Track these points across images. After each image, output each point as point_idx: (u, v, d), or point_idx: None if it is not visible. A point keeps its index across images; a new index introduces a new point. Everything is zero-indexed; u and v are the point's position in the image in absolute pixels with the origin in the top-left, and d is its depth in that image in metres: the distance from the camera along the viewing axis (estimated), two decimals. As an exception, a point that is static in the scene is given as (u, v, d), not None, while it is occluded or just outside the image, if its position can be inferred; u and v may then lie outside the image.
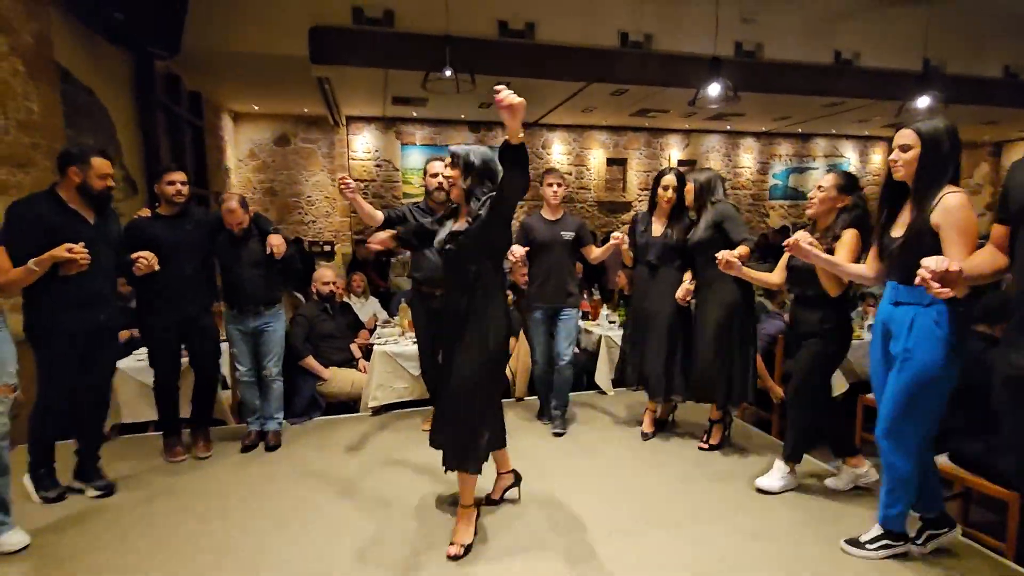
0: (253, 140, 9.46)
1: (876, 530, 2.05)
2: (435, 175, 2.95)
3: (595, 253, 3.25)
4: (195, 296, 2.89)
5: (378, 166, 10.05)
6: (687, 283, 3.01)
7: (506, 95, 1.69)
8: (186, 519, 2.38)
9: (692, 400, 3.07)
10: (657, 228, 3.08)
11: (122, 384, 3.20)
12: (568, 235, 3.20)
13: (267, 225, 3.01)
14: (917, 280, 1.47)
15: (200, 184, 7.07)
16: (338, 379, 3.70)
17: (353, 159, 9.97)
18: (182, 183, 2.80)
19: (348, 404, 3.74)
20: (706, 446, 3.06)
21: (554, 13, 6.59)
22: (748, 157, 11.83)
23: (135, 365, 3.32)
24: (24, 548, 2.13)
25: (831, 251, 2.22)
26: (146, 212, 2.89)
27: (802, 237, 2.04)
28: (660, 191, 3.03)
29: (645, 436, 3.22)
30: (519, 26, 6.61)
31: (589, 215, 10.89)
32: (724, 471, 2.82)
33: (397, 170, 10.13)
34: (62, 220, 2.33)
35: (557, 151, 10.90)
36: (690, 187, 2.95)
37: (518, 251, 2.82)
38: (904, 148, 1.84)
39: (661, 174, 3.04)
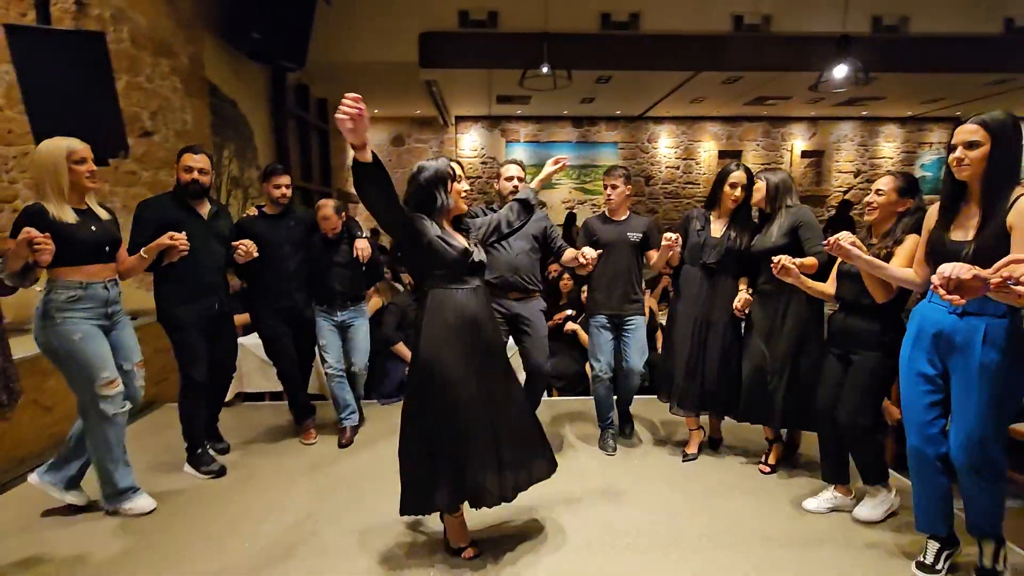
0: (372, 141, 10.10)
1: (943, 550, 1.93)
2: (510, 178, 2.85)
3: (654, 259, 2.94)
4: (299, 288, 3.10)
5: (484, 163, 10.40)
6: (744, 292, 2.75)
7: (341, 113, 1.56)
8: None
9: (749, 420, 2.77)
10: (716, 228, 2.81)
11: (244, 358, 3.67)
12: (635, 236, 2.95)
13: (356, 230, 3.24)
14: (938, 289, 1.37)
15: (325, 183, 7.83)
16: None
17: (460, 157, 10.41)
18: (287, 186, 3.00)
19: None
20: (767, 468, 2.76)
21: (661, 2, 6.34)
22: (889, 146, 10.50)
23: (255, 341, 3.79)
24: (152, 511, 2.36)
25: (889, 257, 2.07)
26: (253, 211, 3.11)
27: (844, 237, 1.92)
28: (727, 189, 2.73)
29: (687, 457, 2.93)
30: (622, 17, 6.45)
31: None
32: (799, 494, 2.53)
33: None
34: (177, 215, 2.58)
35: (664, 145, 10.48)
36: (760, 186, 2.66)
37: (590, 253, 2.63)
38: (971, 145, 1.68)
39: (727, 171, 2.75)
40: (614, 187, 2.95)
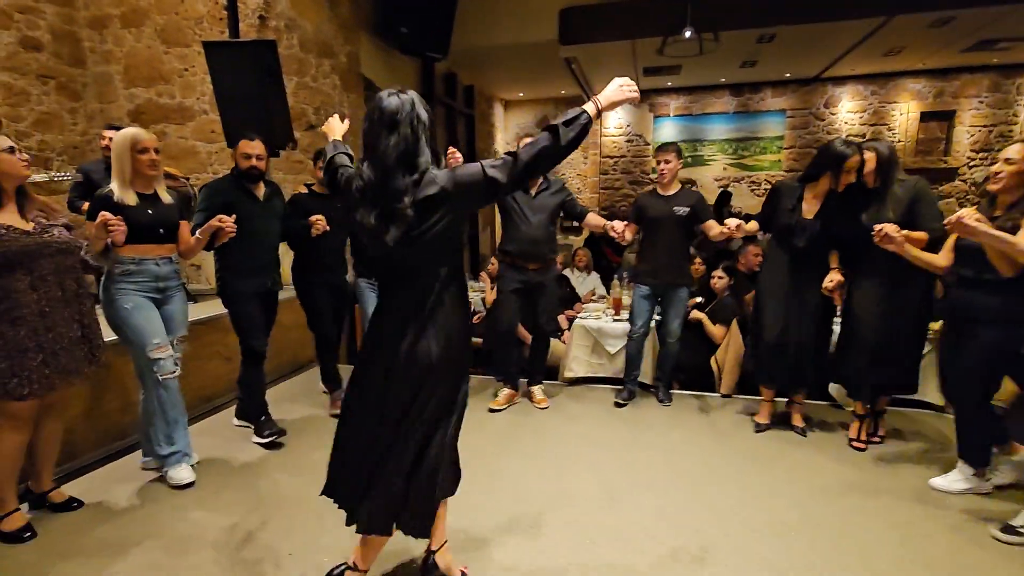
0: (519, 124, 10.46)
1: None
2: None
3: (715, 230, 2.97)
4: (343, 264, 3.28)
5: (629, 141, 9.98)
6: (836, 272, 2.65)
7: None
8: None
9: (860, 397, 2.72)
10: (809, 208, 2.67)
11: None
12: (682, 211, 3.07)
13: None
14: None
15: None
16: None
17: (605, 135, 10.13)
18: None
19: (549, 371, 3.95)
20: (862, 445, 2.73)
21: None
22: None
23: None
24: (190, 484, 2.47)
25: (1015, 230, 1.96)
26: (303, 189, 3.26)
27: (967, 214, 1.88)
28: (843, 175, 2.54)
29: (760, 428, 2.97)
30: (790, -37, 5.61)
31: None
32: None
33: (648, 144, 9.88)
34: (235, 196, 2.72)
35: (845, 110, 8.99)
36: (871, 157, 2.52)
37: (619, 226, 2.89)
38: None
39: (843, 155, 2.51)
40: (667, 162, 3.08)
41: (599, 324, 3.67)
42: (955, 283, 2.27)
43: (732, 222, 2.74)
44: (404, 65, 6.07)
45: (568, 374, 3.73)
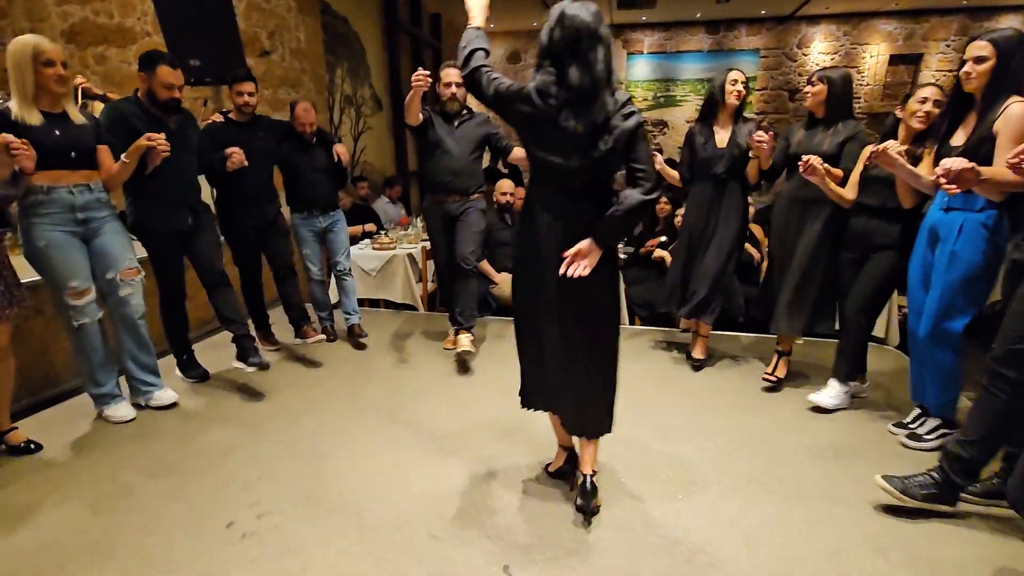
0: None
1: (932, 422, 2.24)
2: (449, 84, 2.97)
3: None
4: (272, 199, 3.09)
5: (602, 79, 9.75)
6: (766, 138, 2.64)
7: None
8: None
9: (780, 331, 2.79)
10: (721, 138, 2.84)
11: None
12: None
13: (331, 137, 3.32)
14: (939, 179, 1.64)
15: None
16: (506, 284, 4.00)
17: (578, 72, 9.85)
18: (249, 93, 2.87)
19: (506, 309, 4.05)
20: (773, 379, 2.79)
21: None
22: None
23: (359, 253, 4.13)
24: (174, 404, 2.53)
25: (917, 162, 2.18)
26: (218, 118, 2.96)
27: (891, 146, 2.05)
28: (728, 87, 2.77)
29: (698, 365, 3.05)
30: None
31: (851, 131, 8.85)
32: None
33: (621, 83, 9.66)
34: (143, 124, 2.39)
35: (817, 51, 8.92)
36: (821, 89, 2.56)
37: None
38: (979, 60, 1.89)
39: (721, 79, 2.80)
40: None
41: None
42: (856, 212, 2.46)
43: (658, 160, 2.89)
44: (365, -12, 5.71)
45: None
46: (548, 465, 2.06)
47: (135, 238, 2.55)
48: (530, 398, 1.88)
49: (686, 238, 3.01)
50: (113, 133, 2.34)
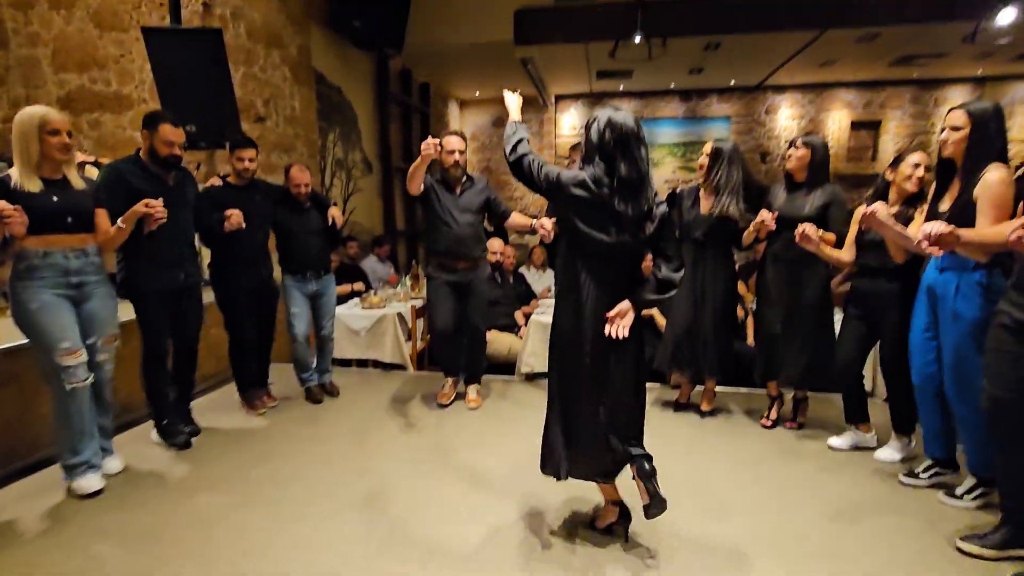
0: (475, 123, 10.46)
1: (970, 480, 2.19)
2: (452, 151, 3.00)
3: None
4: (266, 260, 3.12)
5: (583, 143, 10.17)
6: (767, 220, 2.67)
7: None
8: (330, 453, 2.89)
9: (767, 380, 2.98)
10: (705, 204, 2.90)
11: (335, 326, 3.99)
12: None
13: (326, 199, 3.37)
14: (922, 242, 1.71)
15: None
16: (497, 342, 3.97)
17: (560, 137, 10.27)
18: (251, 159, 2.96)
19: (506, 366, 4.00)
20: (795, 425, 2.96)
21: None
22: (1085, 108, 8.55)
23: (349, 311, 4.09)
24: (121, 472, 2.43)
25: (908, 222, 2.28)
26: (217, 181, 3.01)
27: (879, 210, 2.11)
28: (700, 159, 2.94)
29: (679, 406, 3.22)
30: (733, -24, 5.88)
31: (822, 190, 9.28)
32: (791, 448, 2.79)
33: (601, 146, 10.10)
34: (142, 182, 2.43)
35: (784, 116, 9.49)
36: (804, 154, 2.68)
37: (548, 223, 2.85)
38: (955, 128, 2.01)
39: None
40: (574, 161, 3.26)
41: (554, 319, 3.74)
42: (857, 273, 2.56)
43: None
44: (358, 60, 5.98)
45: (525, 369, 3.78)
46: (595, 520, 2.07)
47: (123, 299, 2.53)
48: (565, 465, 1.91)
49: (675, 298, 3.03)
50: (111, 194, 2.37)
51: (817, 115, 9.38)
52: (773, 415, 2.99)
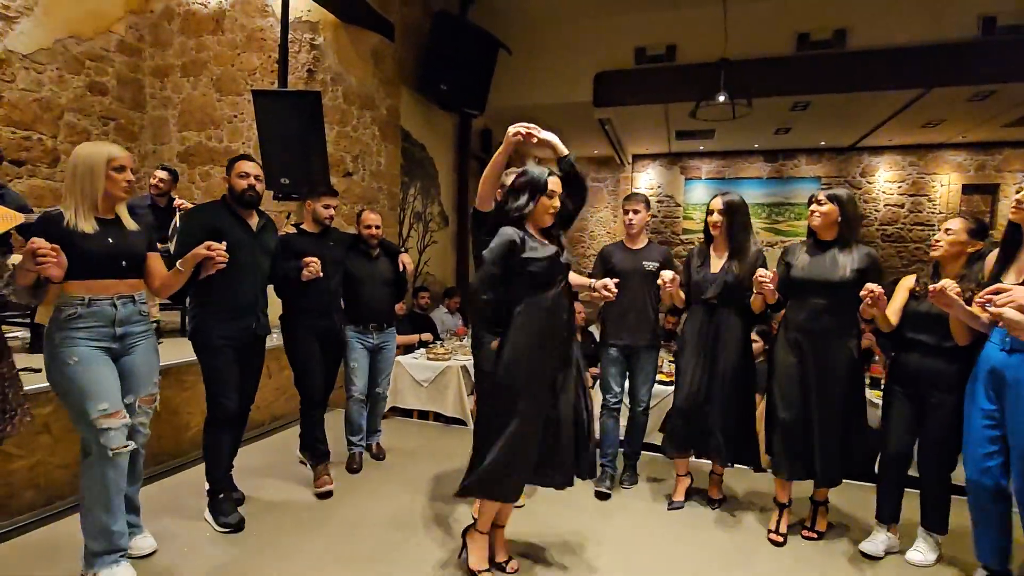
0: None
1: None
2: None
3: (667, 281, 2.64)
4: (338, 308, 3.03)
5: (660, 202, 10.01)
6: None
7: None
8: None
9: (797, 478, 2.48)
10: (716, 263, 2.70)
11: (399, 376, 3.99)
12: (651, 266, 2.88)
13: (395, 247, 3.30)
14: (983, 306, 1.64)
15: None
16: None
17: (636, 195, 10.19)
18: (334, 207, 3.00)
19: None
20: (814, 535, 2.52)
21: (876, 11, 5.45)
22: None
23: (412, 361, 4.10)
24: (153, 553, 2.16)
25: (970, 300, 2.05)
26: (291, 229, 3.00)
27: (949, 285, 1.96)
28: (707, 217, 2.69)
29: (673, 505, 2.81)
30: (825, 35, 5.70)
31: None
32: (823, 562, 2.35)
33: (679, 205, 9.89)
34: (224, 223, 2.35)
35: (883, 179, 8.87)
36: (831, 209, 2.38)
37: (611, 284, 2.34)
38: None
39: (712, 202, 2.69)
40: (636, 212, 2.92)
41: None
42: (905, 348, 2.33)
43: (667, 274, 2.57)
44: (442, 119, 6.30)
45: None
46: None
47: (193, 350, 2.44)
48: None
49: (682, 361, 2.75)
50: (188, 232, 2.31)
51: (920, 178, 8.69)
52: (783, 527, 2.50)
